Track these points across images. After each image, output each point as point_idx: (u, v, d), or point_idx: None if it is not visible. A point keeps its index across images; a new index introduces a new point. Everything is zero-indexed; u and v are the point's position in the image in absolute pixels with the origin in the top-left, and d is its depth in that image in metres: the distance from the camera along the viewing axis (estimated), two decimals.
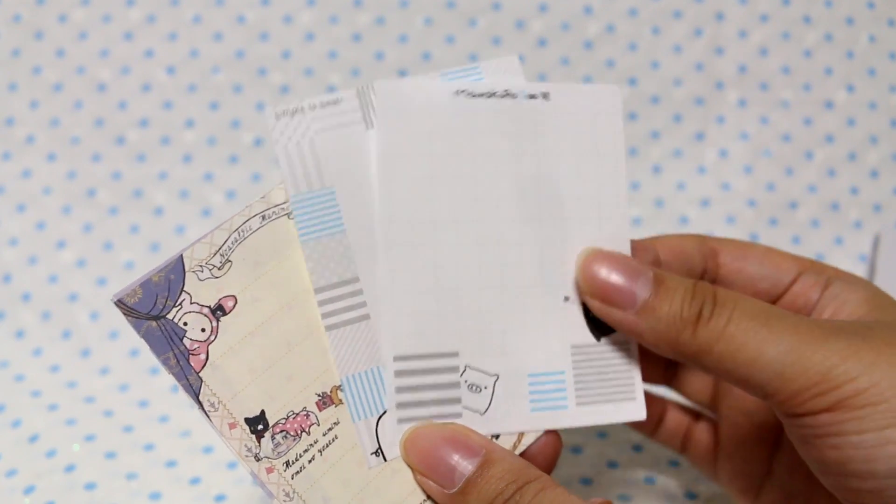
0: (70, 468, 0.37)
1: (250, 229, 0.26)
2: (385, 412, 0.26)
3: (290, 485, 0.24)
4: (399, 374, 0.26)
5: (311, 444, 0.25)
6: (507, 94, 0.27)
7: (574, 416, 0.27)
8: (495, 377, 0.27)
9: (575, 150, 0.28)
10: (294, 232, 0.26)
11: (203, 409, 0.24)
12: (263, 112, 0.48)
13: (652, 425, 0.35)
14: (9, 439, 0.39)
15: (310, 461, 0.25)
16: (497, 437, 0.26)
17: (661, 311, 0.25)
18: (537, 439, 0.27)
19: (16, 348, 0.44)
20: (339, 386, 0.26)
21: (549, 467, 0.27)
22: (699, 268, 0.30)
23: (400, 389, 0.26)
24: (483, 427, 0.26)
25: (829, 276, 0.28)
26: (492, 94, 0.27)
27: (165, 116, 0.47)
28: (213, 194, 0.47)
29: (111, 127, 0.47)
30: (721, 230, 0.48)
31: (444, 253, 0.26)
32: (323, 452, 0.25)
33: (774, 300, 0.30)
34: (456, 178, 0.27)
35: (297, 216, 0.26)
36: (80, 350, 0.44)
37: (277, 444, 0.25)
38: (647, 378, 0.34)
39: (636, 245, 0.29)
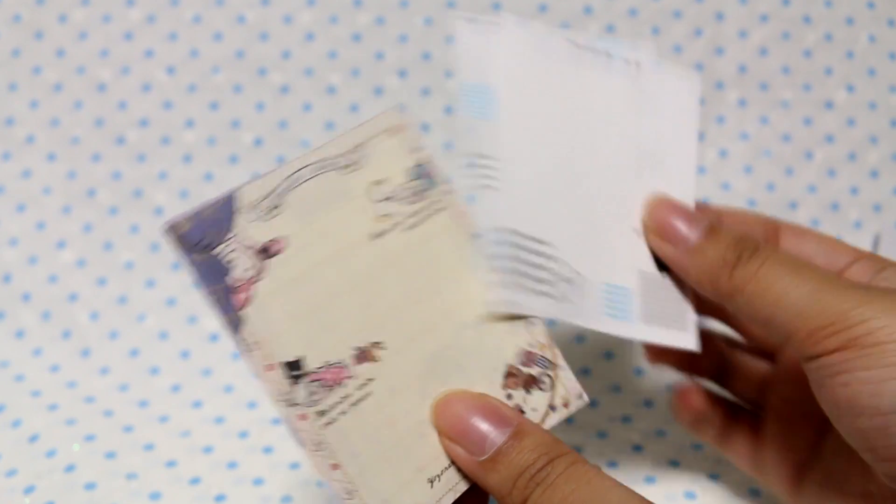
0: (70, 468, 0.37)
1: (303, 178, 0.26)
2: None
3: (322, 435, 0.24)
4: (503, 243, 0.28)
5: (343, 397, 0.25)
6: (605, 54, 0.32)
7: (638, 329, 0.30)
8: (580, 275, 0.29)
9: (658, 117, 0.32)
10: (346, 185, 0.26)
11: (241, 347, 0.24)
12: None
13: (695, 417, 0.35)
14: (9, 439, 0.39)
15: (342, 414, 0.25)
16: (523, 413, 0.27)
17: (706, 254, 0.28)
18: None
19: (16, 348, 0.44)
20: (378, 343, 0.26)
21: None
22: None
23: (501, 257, 0.27)
24: (572, 316, 0.28)
25: (885, 266, 0.30)
26: (593, 50, 0.31)
27: (165, 116, 0.47)
28: (212, 194, 0.46)
29: (111, 127, 0.47)
30: None
31: (553, 163, 0.30)
32: (356, 406, 0.25)
33: None
34: (567, 115, 0.30)
35: (463, 99, 0.28)
36: (80, 350, 0.44)
37: (312, 393, 0.24)
38: (698, 372, 0.36)
39: (701, 207, 0.32)
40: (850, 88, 0.50)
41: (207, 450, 0.39)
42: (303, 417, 0.24)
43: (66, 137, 0.47)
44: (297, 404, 0.24)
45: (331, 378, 0.25)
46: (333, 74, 0.48)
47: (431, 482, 0.25)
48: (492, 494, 0.25)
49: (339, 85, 0.48)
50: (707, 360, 0.36)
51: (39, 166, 0.47)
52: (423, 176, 0.28)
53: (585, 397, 0.28)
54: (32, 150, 0.47)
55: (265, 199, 0.25)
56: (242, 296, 0.24)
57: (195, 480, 0.37)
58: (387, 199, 0.27)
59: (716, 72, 0.49)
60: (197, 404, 0.42)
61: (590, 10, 0.49)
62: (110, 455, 0.38)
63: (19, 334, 0.44)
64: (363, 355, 0.25)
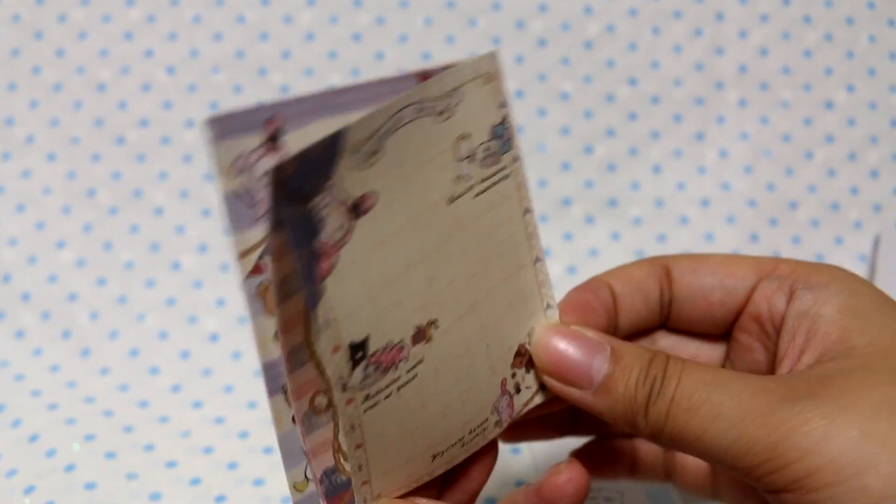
0: (70, 468, 0.37)
1: (404, 119, 0.21)
2: None
3: (360, 418, 0.22)
4: None
5: (393, 381, 0.23)
6: None
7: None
8: None
9: None
10: (437, 136, 0.22)
11: (313, 327, 0.20)
12: None
13: (627, 467, 0.33)
14: (9, 439, 0.39)
15: (386, 398, 0.23)
16: (518, 391, 0.27)
17: (616, 393, 0.24)
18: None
19: (16, 348, 0.44)
20: (434, 321, 0.23)
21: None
22: (655, 291, 0.30)
23: None
24: None
25: (794, 282, 0.27)
26: None
27: (165, 116, 0.47)
28: (212, 194, 0.47)
29: (111, 127, 0.47)
30: (721, 230, 0.48)
31: None
32: (400, 390, 0.23)
33: (736, 313, 0.29)
34: None
35: None
36: (79, 350, 0.44)
37: (367, 377, 0.22)
38: (644, 473, 0.33)
39: (590, 283, 0.29)
40: (850, 88, 0.50)
41: (208, 450, 0.39)
42: (349, 402, 0.22)
43: (66, 137, 0.47)
44: (349, 389, 0.22)
45: (387, 360, 0.22)
46: (333, 74, 0.48)
47: (434, 457, 0.25)
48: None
49: (339, 85, 0.48)
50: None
51: (39, 166, 0.47)
52: (502, 136, 0.24)
53: None
54: (32, 150, 0.47)
55: (369, 140, 0.20)
56: (327, 263, 0.20)
57: (195, 481, 0.37)
58: (468, 157, 0.24)
59: (716, 72, 0.49)
60: (197, 404, 0.42)
61: (590, 10, 0.49)
62: (110, 455, 0.38)
63: (19, 334, 0.44)
64: (420, 335, 0.23)
